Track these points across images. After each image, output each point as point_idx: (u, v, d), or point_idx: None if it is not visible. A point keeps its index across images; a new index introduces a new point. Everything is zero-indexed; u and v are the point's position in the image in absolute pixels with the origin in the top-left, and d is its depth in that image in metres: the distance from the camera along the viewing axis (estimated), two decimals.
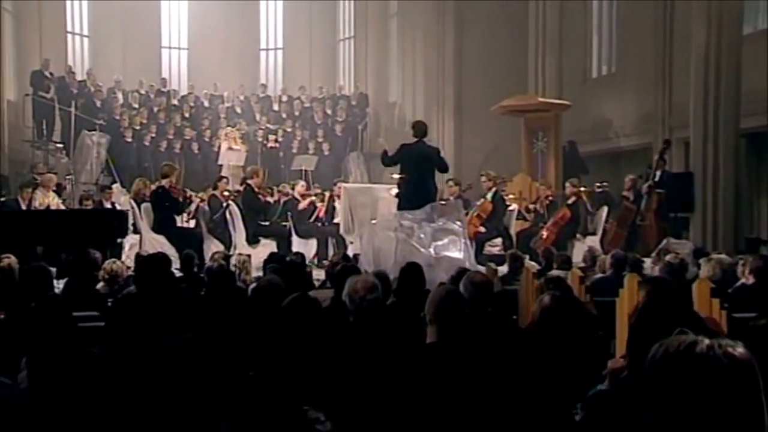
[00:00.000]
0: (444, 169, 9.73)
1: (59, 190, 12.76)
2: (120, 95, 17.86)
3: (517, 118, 14.51)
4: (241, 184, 11.71)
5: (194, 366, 3.40)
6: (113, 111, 16.66)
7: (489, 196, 11.39)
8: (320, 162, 16.62)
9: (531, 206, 12.36)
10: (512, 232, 11.79)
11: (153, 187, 11.15)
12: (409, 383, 3.28)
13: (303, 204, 11.75)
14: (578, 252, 10.69)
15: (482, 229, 11.23)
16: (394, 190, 9.78)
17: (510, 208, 11.94)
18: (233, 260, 7.59)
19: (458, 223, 8.73)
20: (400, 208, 9.30)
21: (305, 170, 15.07)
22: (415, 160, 9.31)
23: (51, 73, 17.14)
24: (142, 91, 18.45)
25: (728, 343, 1.60)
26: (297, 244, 11.60)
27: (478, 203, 11.47)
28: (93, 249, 8.55)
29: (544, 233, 11.59)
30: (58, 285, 7.76)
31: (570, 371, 3.11)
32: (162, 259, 6.83)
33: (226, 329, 4.18)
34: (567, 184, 12.32)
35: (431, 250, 8.43)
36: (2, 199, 11.61)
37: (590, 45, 16.82)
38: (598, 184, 13.10)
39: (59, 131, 16.88)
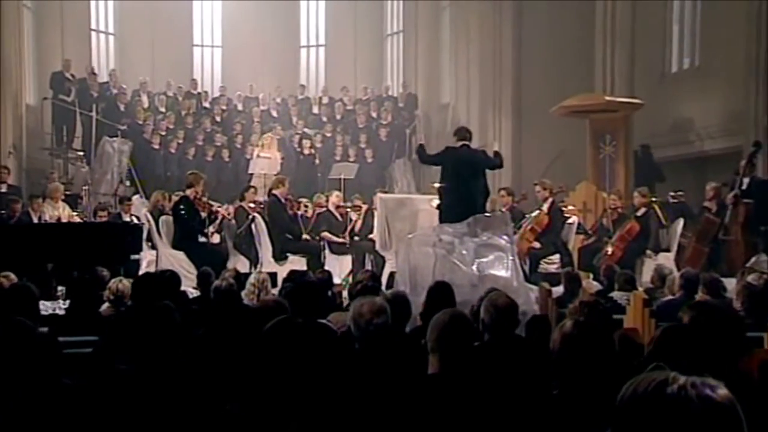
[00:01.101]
0: (494, 164, 9.64)
1: (75, 202, 13.04)
2: (145, 98, 18.18)
3: (582, 120, 14.28)
4: (268, 195, 11.77)
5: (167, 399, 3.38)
6: (136, 115, 16.91)
7: (545, 207, 11.22)
8: (362, 170, 16.62)
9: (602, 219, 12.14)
10: (571, 247, 11.56)
11: (175, 197, 11.28)
12: (407, 421, 3.20)
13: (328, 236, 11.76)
14: (649, 271, 10.48)
15: (537, 245, 11.07)
16: (435, 201, 9.69)
17: (569, 220, 11.73)
18: (251, 279, 7.57)
19: (505, 237, 8.60)
20: (441, 220, 9.23)
21: (344, 179, 15.04)
22: (459, 165, 9.29)
23: (72, 75, 17.54)
24: (170, 94, 18.76)
25: (706, 383, 1.49)
26: (331, 261, 11.60)
27: (533, 215, 11.29)
28: (104, 266, 8.75)
29: (609, 249, 11.36)
30: (57, 305, 7.93)
31: (588, 406, 2.99)
32: (160, 277, 6.92)
33: (215, 355, 4.16)
34: (636, 194, 12.06)
35: (474, 267, 8.33)
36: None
37: (669, 35, 16.36)
38: (672, 194, 12.79)
39: (81, 138, 17.28)
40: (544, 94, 15.72)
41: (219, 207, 11.47)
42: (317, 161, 17.08)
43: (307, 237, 11.80)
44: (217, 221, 11.69)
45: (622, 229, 11.57)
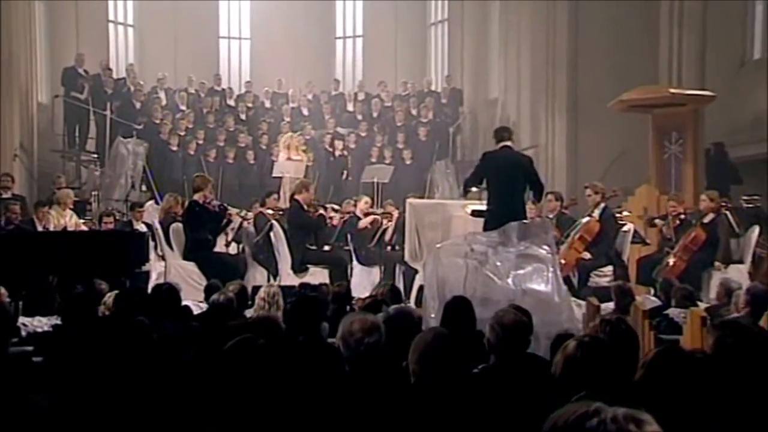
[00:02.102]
0: (536, 186, 9.52)
1: (83, 209, 13.18)
2: (163, 95, 18.36)
3: (646, 115, 14.03)
4: (290, 201, 11.78)
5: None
6: (153, 114, 17.06)
7: (596, 213, 11.02)
8: (399, 173, 16.59)
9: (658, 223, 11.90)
10: (626, 258, 11.33)
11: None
12: None
13: (364, 222, 11.66)
14: (717, 285, 10.23)
15: (587, 255, 10.91)
16: (471, 207, 9.59)
17: (624, 228, 11.51)
18: (261, 293, 7.54)
19: (545, 247, 8.43)
20: (487, 228, 9.14)
21: (377, 183, 14.97)
22: (500, 170, 9.20)
23: (86, 71, 17.77)
24: (192, 90, 18.92)
25: (633, 418, 1.37)
26: (359, 273, 11.56)
27: (583, 222, 11.10)
28: (104, 279, 8.80)
29: (671, 260, 11.14)
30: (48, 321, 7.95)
31: None
32: (156, 291, 6.91)
33: (193, 375, 4.11)
34: (703, 198, 11.80)
35: (510, 281, 8.20)
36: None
37: (752, 15, 15.85)
38: (745, 198, 12.47)
39: (95, 139, 17.50)
40: (602, 87, 15.47)
41: (235, 212, 11.47)
42: (350, 163, 17.01)
43: (329, 247, 11.79)
44: (234, 229, 11.72)
45: (686, 237, 11.31)
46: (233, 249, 12.12)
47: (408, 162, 17.24)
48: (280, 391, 3.07)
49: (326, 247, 12.07)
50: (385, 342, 4.24)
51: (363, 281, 11.46)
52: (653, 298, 9.73)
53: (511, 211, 8.87)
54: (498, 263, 8.24)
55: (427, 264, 8.87)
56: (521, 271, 8.25)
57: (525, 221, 8.78)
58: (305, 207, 11.24)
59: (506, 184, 9.08)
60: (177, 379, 3.67)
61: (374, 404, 3.67)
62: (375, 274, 11.53)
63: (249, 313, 7.59)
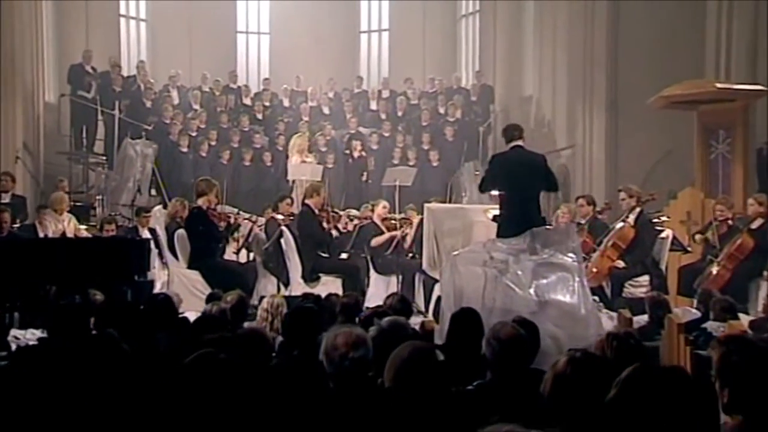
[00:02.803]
0: (550, 186, 9.39)
1: (86, 213, 13.24)
2: (175, 93, 18.41)
3: (690, 112, 13.85)
4: (302, 205, 11.77)
5: None
6: (163, 113, 17.12)
7: (631, 218, 10.87)
8: (424, 176, 16.52)
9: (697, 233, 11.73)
10: (664, 266, 11.17)
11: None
12: None
13: (377, 240, 11.63)
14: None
15: (620, 264, 10.79)
16: (493, 212, 9.49)
17: (662, 234, 11.35)
18: (264, 303, 7.51)
19: (571, 255, 8.37)
20: (500, 235, 9.01)
21: (399, 186, 14.88)
22: (511, 171, 9.06)
23: (93, 68, 17.89)
24: (206, 88, 18.98)
25: None
26: (376, 283, 11.56)
27: (617, 227, 10.96)
28: (100, 289, 8.82)
29: (714, 270, 10.95)
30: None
31: None
32: (152, 301, 6.90)
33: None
34: (750, 202, 11.59)
35: (532, 291, 8.18)
36: (16, 225, 12.04)
37: None
38: None
39: (104, 140, 17.59)
40: (644, 83, 15.32)
41: (243, 218, 11.46)
42: (372, 165, 16.97)
43: (347, 254, 11.75)
44: (244, 236, 11.71)
45: (732, 245, 11.12)
46: (244, 257, 12.10)
47: (434, 164, 17.20)
48: (238, 411, 3.00)
49: (343, 255, 12.04)
50: (374, 358, 4.18)
51: (379, 291, 11.36)
52: (694, 311, 9.56)
53: (525, 217, 8.72)
54: (519, 272, 8.20)
55: (443, 273, 8.82)
56: (544, 281, 8.23)
57: (548, 227, 8.67)
58: (316, 212, 11.20)
59: (518, 187, 8.93)
60: (136, 395, 3.61)
61: (358, 424, 3.60)
62: (393, 283, 11.46)
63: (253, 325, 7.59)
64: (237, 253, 11.85)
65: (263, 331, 4.86)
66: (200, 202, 10.67)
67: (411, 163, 16.86)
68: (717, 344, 3.40)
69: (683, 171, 14.36)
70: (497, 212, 9.39)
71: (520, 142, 9.26)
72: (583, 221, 11.49)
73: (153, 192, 15.99)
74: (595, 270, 10.70)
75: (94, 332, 5.18)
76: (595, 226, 11.48)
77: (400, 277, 11.47)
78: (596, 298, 10.76)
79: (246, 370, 3.28)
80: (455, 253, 8.73)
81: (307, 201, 11.31)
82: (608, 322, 9.52)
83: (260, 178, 16.96)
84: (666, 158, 16.03)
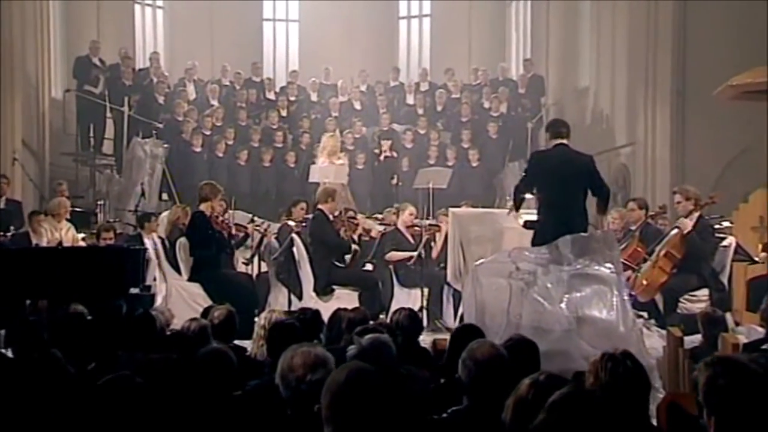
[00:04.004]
0: (596, 191, 9.21)
1: (87, 220, 13.30)
2: (192, 88, 18.47)
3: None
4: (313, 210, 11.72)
5: None
6: (175, 110, 17.22)
7: (687, 224, 10.65)
8: (462, 177, 16.46)
9: None
10: (726, 279, 10.94)
11: None
12: None
13: (395, 256, 11.57)
14: None
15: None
16: (525, 217, 9.36)
17: (723, 243, 11.11)
18: (260, 320, 7.46)
19: (608, 265, 8.26)
20: (536, 242, 8.90)
21: (432, 189, 14.76)
22: (553, 173, 8.98)
23: (101, 60, 18.02)
24: (226, 82, 19.04)
25: None
26: (400, 296, 11.53)
27: (671, 234, 10.75)
28: (87, 303, 8.81)
29: None
30: None
31: None
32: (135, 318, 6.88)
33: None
34: None
35: (563, 306, 8.09)
36: (9, 233, 12.13)
37: None
38: None
39: (113, 140, 17.70)
40: (715, 73, 15.00)
41: (252, 225, 11.45)
42: (407, 166, 16.89)
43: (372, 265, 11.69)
44: (254, 245, 11.71)
45: None
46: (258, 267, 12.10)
47: (475, 164, 17.13)
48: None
49: (368, 267, 11.98)
50: None
51: (403, 305, 11.28)
52: (760, 329, 9.36)
53: (567, 223, 8.63)
54: (549, 284, 8.14)
55: (465, 286, 8.74)
56: (578, 295, 8.15)
57: (584, 234, 8.50)
58: (330, 217, 11.15)
59: (560, 190, 8.86)
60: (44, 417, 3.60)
61: None
62: (419, 297, 11.36)
63: (248, 343, 7.54)
64: (247, 263, 11.84)
65: (225, 353, 4.78)
66: (203, 207, 10.64)
67: (449, 164, 16.82)
68: (704, 366, 3.27)
69: (761, 171, 14.08)
70: (530, 217, 9.25)
71: (565, 141, 9.21)
72: (633, 227, 11.30)
73: (165, 197, 15.99)
74: (645, 283, 10.52)
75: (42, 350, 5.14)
76: (648, 233, 11.27)
77: (426, 290, 11.35)
78: (645, 314, 10.61)
79: (161, 396, 3.21)
80: (477, 263, 8.63)
81: (320, 206, 11.25)
82: (659, 341, 9.36)
83: (281, 180, 16.94)
84: (741, 157, 15.73)
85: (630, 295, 10.66)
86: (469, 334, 5.59)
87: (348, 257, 11.30)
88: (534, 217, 9.25)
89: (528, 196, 9.54)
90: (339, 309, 8.23)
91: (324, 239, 11.10)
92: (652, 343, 9.29)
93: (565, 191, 8.92)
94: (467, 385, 4.08)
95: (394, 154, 17.01)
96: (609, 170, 17.15)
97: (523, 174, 9.37)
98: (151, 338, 6.74)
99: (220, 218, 10.94)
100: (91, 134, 17.51)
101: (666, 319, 10.36)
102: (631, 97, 17.43)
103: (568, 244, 8.26)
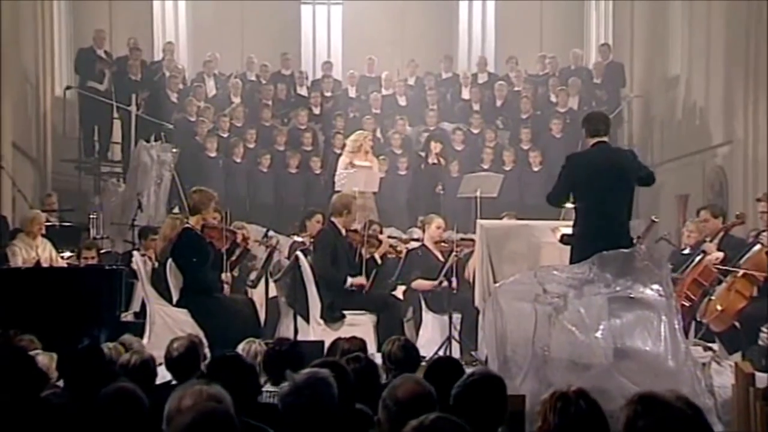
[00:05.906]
0: (646, 180, 9.19)
1: (77, 237, 13.34)
2: (211, 83, 18.51)
3: None
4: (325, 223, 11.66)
5: None
6: (187, 108, 17.32)
7: None
8: (522, 183, 16.44)
9: None
10: None
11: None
12: None
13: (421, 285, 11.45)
14: None
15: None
16: (563, 230, 9.17)
17: None
18: (239, 351, 7.36)
19: (656, 287, 8.09)
20: (573, 259, 8.77)
21: (479, 198, 14.60)
22: (592, 176, 8.86)
23: (107, 52, 18.14)
24: (251, 76, 19.07)
25: None
26: (429, 323, 11.54)
27: (753, 251, 10.48)
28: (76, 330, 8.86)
29: None
30: None
31: None
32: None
33: None
34: None
35: (599, 335, 8.01)
36: None
37: None
38: None
39: (120, 144, 17.82)
40: None
41: (256, 240, 11.41)
42: (456, 171, 16.73)
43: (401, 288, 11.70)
44: (263, 263, 11.68)
45: None
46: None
47: (536, 168, 17.03)
48: None
49: (398, 293, 11.94)
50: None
51: (433, 333, 11.48)
52: None
53: (607, 236, 8.48)
54: (582, 309, 8.06)
55: (485, 312, 8.60)
56: (617, 322, 8.07)
57: (627, 250, 8.28)
58: (343, 232, 11.08)
59: (602, 198, 8.71)
60: None
61: None
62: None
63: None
64: (253, 285, 11.81)
65: (132, 392, 4.68)
66: (193, 221, 10.52)
67: (508, 168, 16.77)
68: (626, 405, 3.16)
69: None
70: (567, 231, 9.06)
71: (605, 138, 9.09)
72: (708, 239, 11.01)
73: (175, 208, 15.95)
74: (720, 308, 10.29)
75: None
76: (729, 246, 10.95)
77: (453, 315, 11.26)
78: (715, 347, 10.30)
79: None
80: (497, 284, 8.48)
81: (333, 219, 11.21)
82: (730, 378, 9.09)
83: (310, 188, 16.95)
84: None
85: (699, 323, 10.49)
86: (442, 369, 5.42)
87: (361, 280, 11.16)
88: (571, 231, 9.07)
89: (568, 205, 9.34)
90: (338, 339, 8.13)
91: (315, 263, 11.14)
92: (723, 381, 9.04)
93: (608, 199, 8.79)
94: (386, 428, 4.01)
95: (443, 162, 16.88)
96: (703, 174, 16.90)
97: (558, 178, 9.11)
98: (91, 373, 6.71)
99: (221, 226, 10.73)
100: (96, 138, 17.65)
101: (744, 351, 10.16)
102: (728, 87, 17.16)
103: (607, 261, 8.13)
